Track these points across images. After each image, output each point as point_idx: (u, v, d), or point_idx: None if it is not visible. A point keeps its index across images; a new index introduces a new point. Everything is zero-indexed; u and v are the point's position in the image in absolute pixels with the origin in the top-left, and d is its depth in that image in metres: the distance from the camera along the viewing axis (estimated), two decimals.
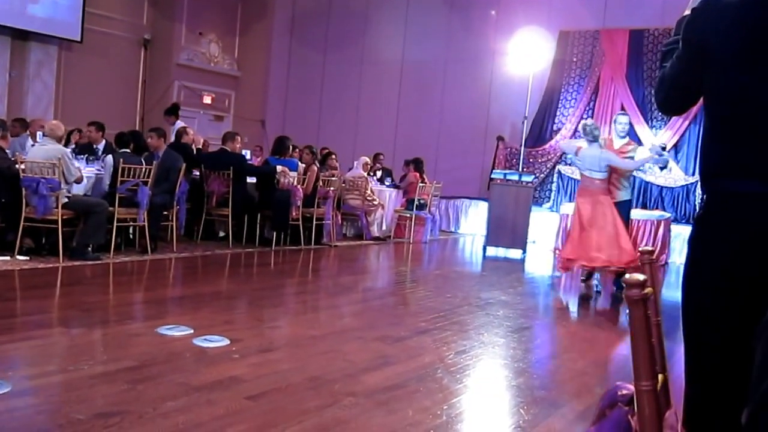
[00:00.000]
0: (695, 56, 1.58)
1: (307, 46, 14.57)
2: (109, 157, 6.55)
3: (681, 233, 9.51)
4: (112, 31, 12.42)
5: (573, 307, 6.41)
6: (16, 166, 5.88)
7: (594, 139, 6.57)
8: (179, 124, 9.13)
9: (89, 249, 6.06)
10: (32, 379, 3.05)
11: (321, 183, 8.32)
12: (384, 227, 9.76)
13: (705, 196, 1.63)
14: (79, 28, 11.47)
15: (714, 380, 1.55)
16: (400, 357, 3.81)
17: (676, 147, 11.00)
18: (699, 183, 1.74)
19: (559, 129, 12.02)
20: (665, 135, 11.03)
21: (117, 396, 2.85)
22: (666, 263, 9.25)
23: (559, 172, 11.42)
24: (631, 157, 6.69)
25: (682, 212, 10.23)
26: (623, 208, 6.62)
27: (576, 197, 6.94)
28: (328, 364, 3.59)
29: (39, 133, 6.28)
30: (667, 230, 9.32)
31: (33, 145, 6.20)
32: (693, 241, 1.63)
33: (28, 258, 5.77)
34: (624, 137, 6.83)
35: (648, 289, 1.32)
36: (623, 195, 6.68)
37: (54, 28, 11.17)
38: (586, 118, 11.84)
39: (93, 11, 11.77)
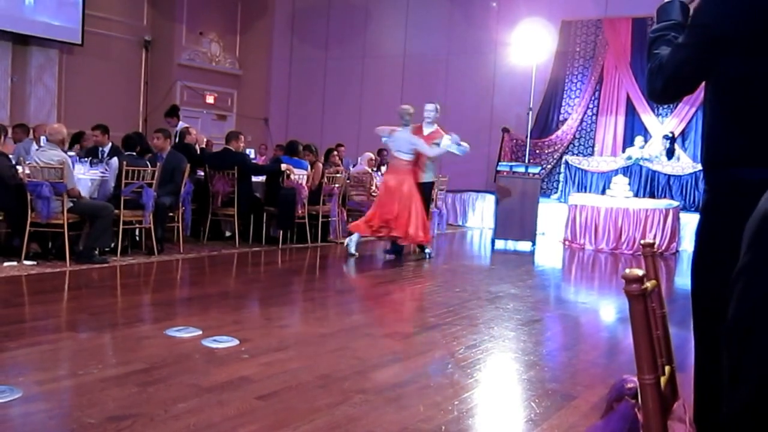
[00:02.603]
0: (708, 42, 1.54)
1: (309, 42, 14.54)
2: (114, 160, 6.55)
3: (690, 222, 9.45)
4: (112, 33, 12.42)
5: (582, 298, 6.38)
6: (20, 169, 5.88)
7: (406, 123, 7.24)
8: (182, 125, 9.13)
9: (96, 252, 6.07)
10: (43, 384, 3.05)
11: (326, 180, 8.31)
12: None
13: (709, 185, 1.59)
14: (80, 31, 11.47)
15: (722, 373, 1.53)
16: (409, 353, 3.80)
17: (683, 134, 10.95)
18: (703, 171, 1.68)
19: (565, 119, 11.98)
20: (671, 123, 10.98)
21: (128, 399, 2.85)
22: (677, 251, 9.21)
23: (567, 163, 11.38)
24: (437, 144, 7.26)
25: (691, 200, 10.16)
26: (425, 189, 7.43)
27: (385, 174, 7.75)
28: (337, 361, 3.58)
29: (43, 138, 6.28)
30: (676, 219, 9.27)
31: (37, 150, 6.20)
32: (701, 230, 1.60)
33: (35, 263, 5.77)
34: (432, 125, 7.43)
35: (649, 283, 1.30)
36: (426, 177, 7.42)
37: (54, 32, 11.17)
38: (592, 108, 11.86)
39: (93, 13, 11.77)
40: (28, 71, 11.13)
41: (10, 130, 8.10)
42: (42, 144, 6.14)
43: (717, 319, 1.53)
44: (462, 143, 7.28)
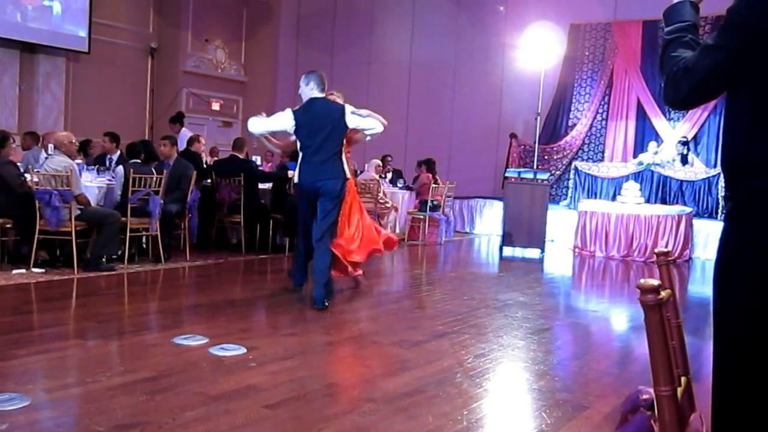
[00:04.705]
0: (748, 42, 1.45)
1: (314, 48, 14.55)
2: (120, 168, 6.56)
3: (703, 228, 9.39)
4: (118, 40, 12.47)
5: (593, 306, 6.32)
6: (28, 177, 5.90)
7: None
8: (185, 131, 9.19)
9: (103, 260, 6.07)
10: (51, 392, 3.04)
11: None
12: (397, 230, 9.71)
13: (735, 192, 1.52)
14: (86, 39, 11.52)
15: (745, 386, 1.48)
16: (418, 361, 3.77)
17: (696, 139, 10.88)
18: (726, 177, 1.60)
19: (574, 124, 11.95)
20: (684, 127, 10.92)
21: (136, 407, 2.84)
22: (690, 258, 9.14)
23: (576, 169, 11.33)
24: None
25: (704, 206, 10.07)
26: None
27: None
28: (345, 370, 3.56)
29: (50, 145, 6.30)
30: (689, 225, 9.19)
31: (46, 158, 6.23)
32: (725, 238, 1.54)
33: (43, 270, 5.79)
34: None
35: (664, 293, 1.28)
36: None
37: (61, 40, 11.22)
38: (601, 113, 11.81)
39: (99, 21, 11.82)
40: (36, 79, 11.19)
41: (18, 138, 8.14)
42: (50, 151, 6.16)
43: (740, 329, 1.49)
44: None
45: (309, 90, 5.33)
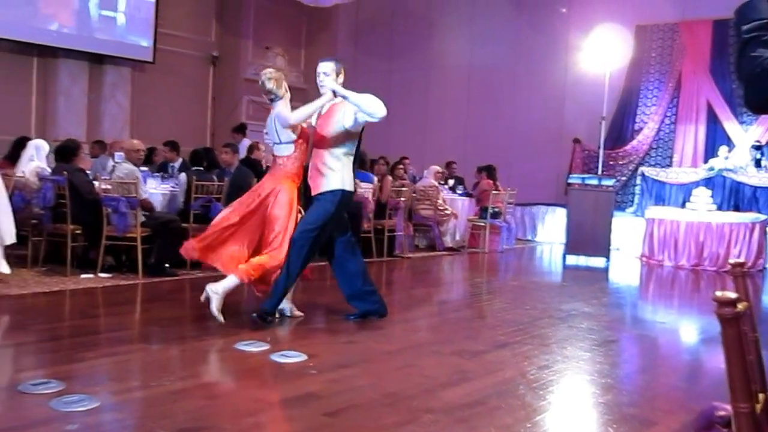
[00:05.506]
0: None
1: (373, 54, 14.59)
2: (183, 175, 6.73)
3: None
4: (181, 49, 12.74)
5: (661, 318, 6.09)
6: (96, 184, 6.11)
7: (274, 98, 4.76)
8: (245, 141, 9.36)
9: (167, 266, 6.21)
10: (117, 395, 3.11)
11: (392, 194, 8.28)
12: (457, 237, 9.63)
13: None
14: (151, 49, 11.84)
15: None
16: (478, 372, 3.69)
17: None
18: None
19: (641, 129, 11.62)
20: (757, 131, 10.47)
21: (197, 411, 2.87)
22: (764, 268, 8.72)
23: (643, 174, 11.01)
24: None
25: None
26: (321, 203, 4.69)
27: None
28: (404, 379, 3.51)
29: (117, 153, 6.51)
30: (763, 233, 8.79)
31: (114, 166, 6.45)
32: None
33: (110, 275, 5.96)
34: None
35: (741, 306, 1.22)
36: (330, 182, 4.72)
37: (127, 51, 11.58)
38: (669, 116, 11.41)
39: (163, 31, 12.12)
40: (103, 89, 11.56)
41: (87, 146, 8.45)
42: (116, 159, 6.37)
43: None
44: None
45: (338, 83, 4.80)
